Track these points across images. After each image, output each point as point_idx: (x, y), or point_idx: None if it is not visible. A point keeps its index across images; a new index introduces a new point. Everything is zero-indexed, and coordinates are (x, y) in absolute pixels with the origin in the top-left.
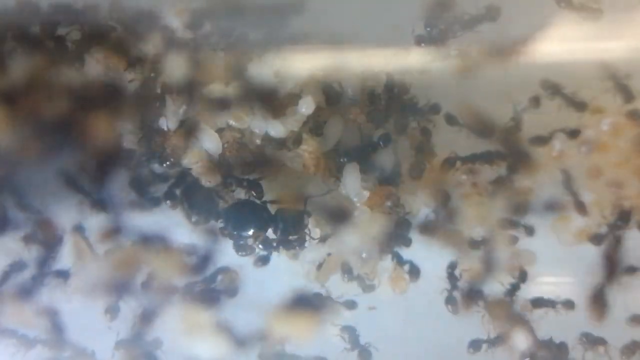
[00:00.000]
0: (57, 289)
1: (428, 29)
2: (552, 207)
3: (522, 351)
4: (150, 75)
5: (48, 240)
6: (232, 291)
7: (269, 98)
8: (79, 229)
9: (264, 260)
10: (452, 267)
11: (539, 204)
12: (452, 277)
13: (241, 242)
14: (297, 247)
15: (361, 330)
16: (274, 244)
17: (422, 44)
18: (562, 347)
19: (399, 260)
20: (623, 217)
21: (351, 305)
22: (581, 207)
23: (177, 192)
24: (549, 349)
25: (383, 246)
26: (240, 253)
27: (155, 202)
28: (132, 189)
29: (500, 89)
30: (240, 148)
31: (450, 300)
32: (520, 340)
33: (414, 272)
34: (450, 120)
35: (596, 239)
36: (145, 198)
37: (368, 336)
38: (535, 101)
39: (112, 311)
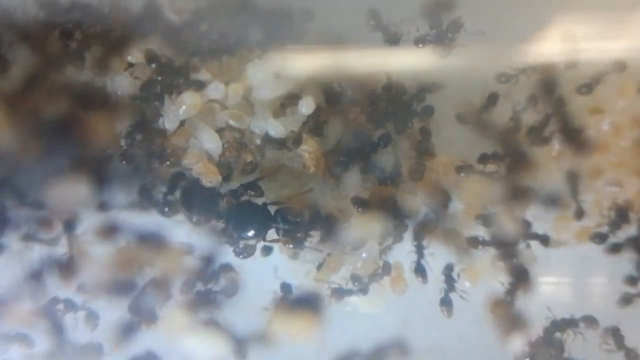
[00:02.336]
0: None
1: (424, 33)
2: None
3: (522, 351)
4: (150, 75)
5: (47, 240)
6: (232, 290)
7: None
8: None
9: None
10: (449, 268)
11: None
12: (449, 278)
13: (240, 246)
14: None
15: (362, 330)
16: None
17: (421, 45)
18: (558, 344)
19: (419, 254)
20: (622, 216)
21: (364, 290)
22: (579, 213)
23: (177, 193)
24: (545, 347)
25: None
26: (241, 256)
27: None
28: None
29: (501, 89)
30: (240, 148)
31: (445, 302)
32: (520, 341)
33: (421, 272)
34: (461, 119)
35: (597, 238)
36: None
37: (368, 336)
38: (533, 100)
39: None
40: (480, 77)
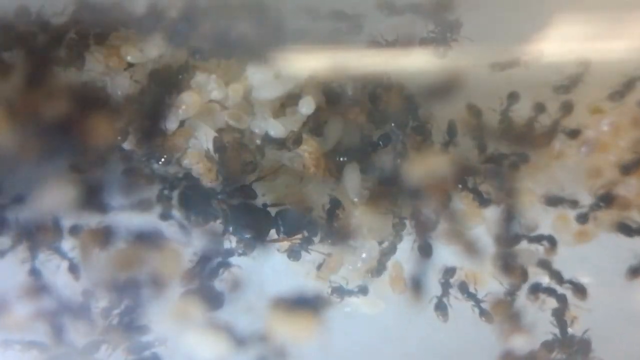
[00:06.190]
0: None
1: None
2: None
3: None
4: (150, 75)
5: (47, 241)
6: (233, 287)
7: None
8: (78, 229)
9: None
10: (449, 273)
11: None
12: (446, 284)
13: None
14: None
15: (361, 329)
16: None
17: (425, 46)
18: (584, 344)
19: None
20: (605, 199)
21: (364, 290)
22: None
23: (173, 194)
24: (569, 346)
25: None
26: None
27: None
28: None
29: (501, 89)
30: (240, 148)
31: (439, 307)
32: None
33: (427, 250)
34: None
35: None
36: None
37: (368, 336)
38: (514, 97)
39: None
40: (481, 77)
